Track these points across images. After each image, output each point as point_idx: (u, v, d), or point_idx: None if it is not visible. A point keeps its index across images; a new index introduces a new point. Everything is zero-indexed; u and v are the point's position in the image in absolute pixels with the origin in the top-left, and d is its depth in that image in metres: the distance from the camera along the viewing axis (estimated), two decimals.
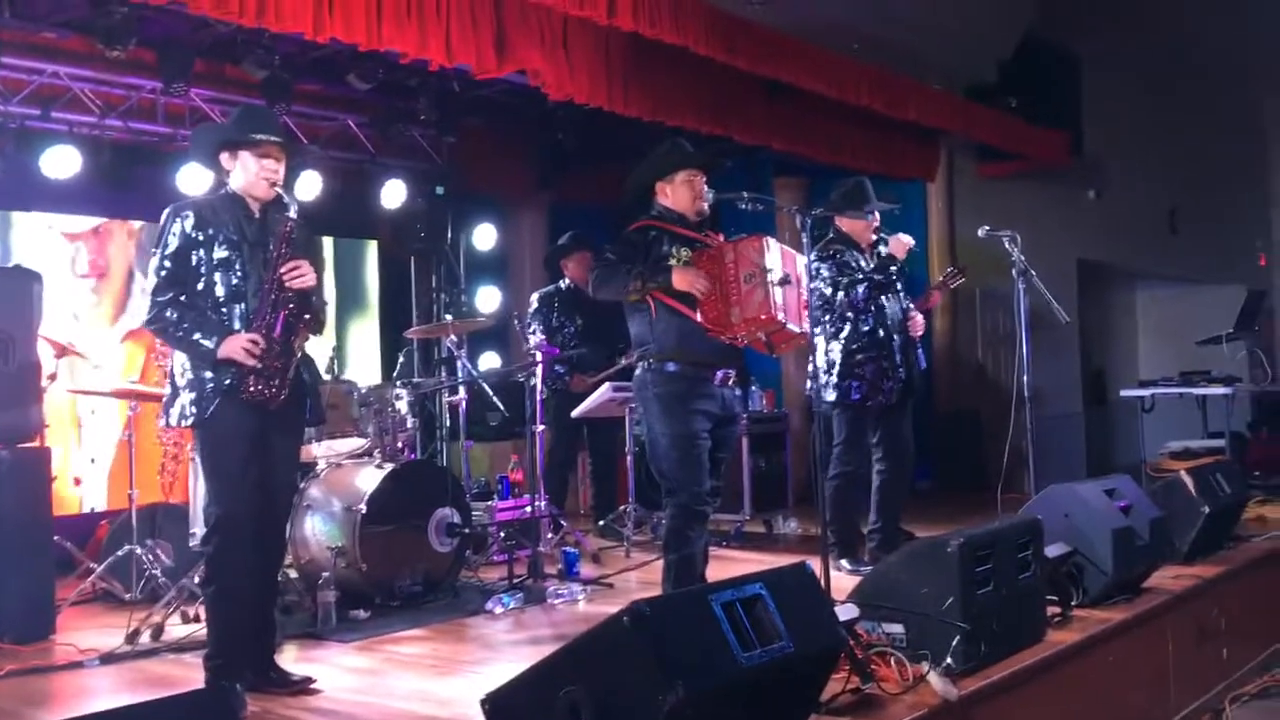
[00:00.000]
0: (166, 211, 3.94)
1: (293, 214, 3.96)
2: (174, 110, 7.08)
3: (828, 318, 5.65)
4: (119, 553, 5.47)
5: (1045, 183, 10.21)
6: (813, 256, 5.55)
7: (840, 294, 5.60)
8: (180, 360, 3.93)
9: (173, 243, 3.88)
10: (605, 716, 2.61)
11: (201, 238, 3.88)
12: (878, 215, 5.74)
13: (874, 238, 5.76)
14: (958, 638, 3.57)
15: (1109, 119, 10.66)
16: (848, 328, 5.64)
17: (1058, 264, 9.69)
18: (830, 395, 5.61)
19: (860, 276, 5.61)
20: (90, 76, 6.68)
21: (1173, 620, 4.72)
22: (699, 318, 4.40)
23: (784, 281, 4.40)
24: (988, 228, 5.72)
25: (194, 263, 3.88)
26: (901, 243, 5.73)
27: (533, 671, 2.83)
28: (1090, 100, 10.22)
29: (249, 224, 3.96)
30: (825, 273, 5.62)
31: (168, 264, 3.88)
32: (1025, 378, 5.42)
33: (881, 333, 5.63)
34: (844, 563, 5.63)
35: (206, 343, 3.81)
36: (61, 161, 6.56)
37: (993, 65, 9.15)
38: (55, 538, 5.25)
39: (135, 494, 5.54)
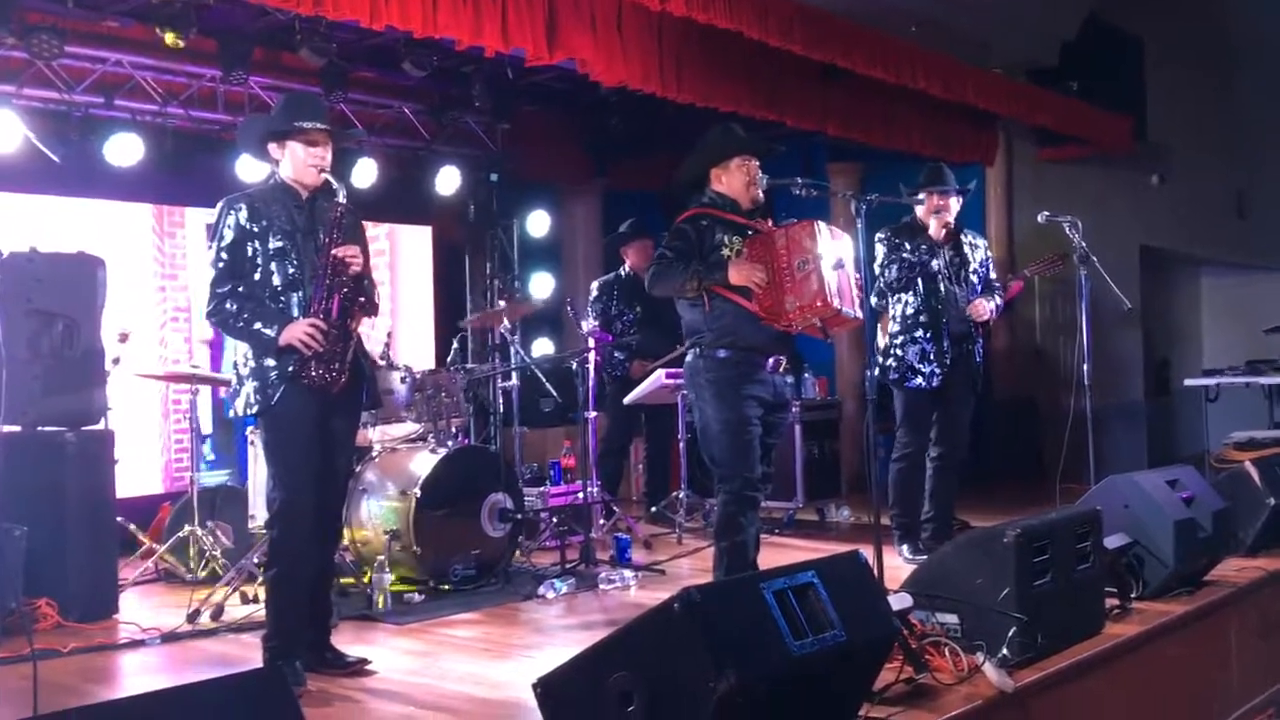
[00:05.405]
0: (221, 204, 3.99)
1: (341, 199, 4.00)
2: (234, 98, 7.16)
3: (886, 300, 5.68)
4: (180, 534, 5.58)
5: (1107, 168, 10.01)
6: (879, 236, 5.63)
7: (881, 275, 5.64)
8: (242, 350, 3.98)
9: (228, 235, 3.93)
10: (656, 702, 2.61)
11: (256, 229, 3.93)
12: (942, 199, 5.63)
13: (943, 223, 5.64)
14: (1013, 629, 3.52)
15: (1173, 102, 10.42)
16: (897, 309, 5.68)
17: (1120, 250, 9.52)
18: (878, 374, 5.64)
19: (899, 258, 5.58)
20: (152, 65, 6.77)
21: (1236, 613, 4.62)
22: (754, 307, 4.38)
23: (837, 266, 4.37)
24: (1048, 213, 5.63)
25: (250, 253, 3.93)
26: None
27: (584, 656, 2.84)
28: (1154, 83, 10.00)
29: (299, 213, 4.00)
30: (879, 253, 5.66)
31: (224, 256, 3.93)
32: (1086, 366, 5.33)
33: (925, 317, 5.59)
34: (904, 549, 5.62)
35: (268, 331, 3.85)
36: (125, 149, 6.68)
37: (1054, 48, 8.97)
38: (119, 519, 5.36)
39: (196, 476, 5.64)
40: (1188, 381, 9.20)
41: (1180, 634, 4.24)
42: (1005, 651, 3.50)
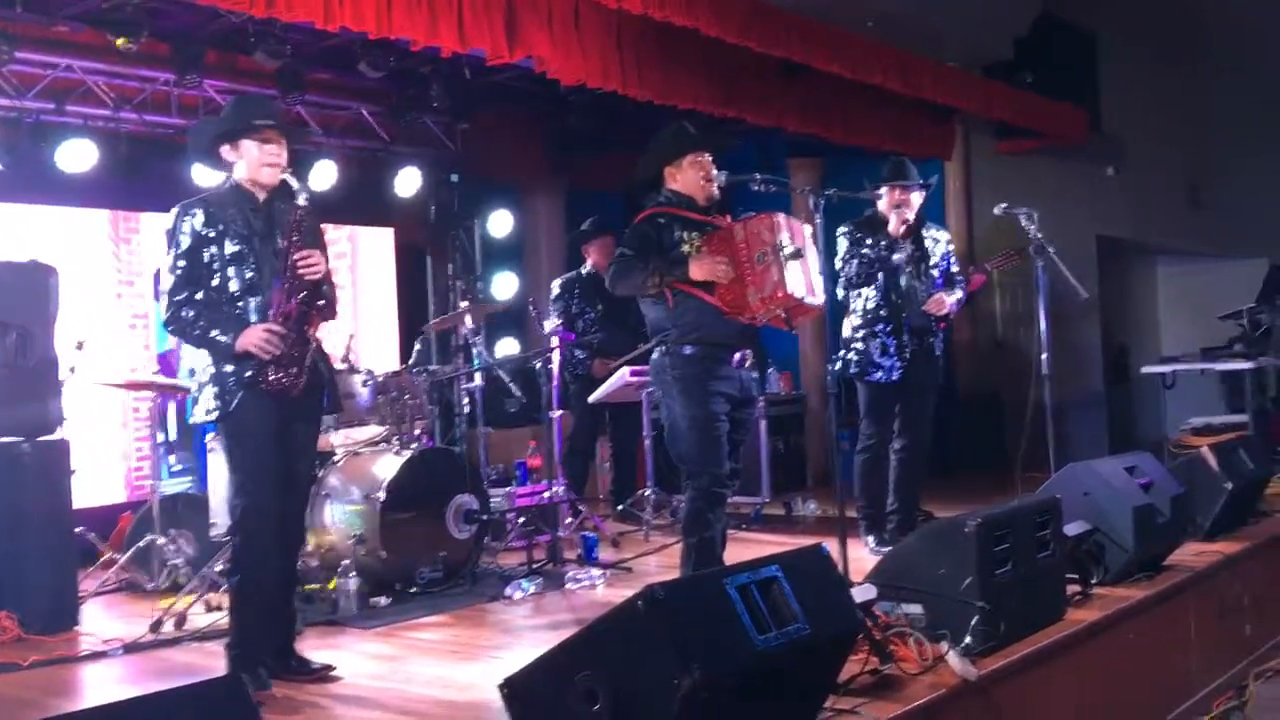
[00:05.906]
0: (175, 210, 3.94)
1: (302, 201, 3.95)
2: (188, 102, 7.09)
3: (847, 295, 5.72)
4: (141, 543, 5.51)
5: (1063, 160, 10.11)
6: (841, 231, 5.67)
7: (842, 270, 5.67)
8: (201, 357, 3.95)
9: (184, 241, 3.89)
10: (622, 700, 2.61)
11: (212, 234, 3.89)
12: (904, 194, 5.65)
13: (902, 218, 5.66)
14: (976, 617, 3.55)
15: (1126, 94, 10.55)
16: (858, 303, 5.72)
17: (1077, 241, 9.61)
18: (840, 367, 5.68)
19: (859, 254, 5.61)
20: (104, 70, 6.69)
21: (1195, 597, 4.68)
22: (717, 301, 4.39)
23: (795, 256, 4.38)
24: (1005, 205, 5.67)
25: (207, 259, 3.89)
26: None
27: (549, 656, 2.83)
28: (1107, 75, 10.12)
29: (255, 216, 3.96)
30: (840, 247, 5.68)
31: (181, 263, 3.89)
32: (1045, 356, 5.38)
33: (885, 310, 5.63)
34: (870, 540, 5.65)
35: (223, 338, 3.82)
36: (78, 155, 6.59)
37: (1009, 42, 9.05)
38: (78, 529, 5.29)
39: (157, 485, 5.58)
40: (1145, 369, 9.31)
41: (1141, 619, 4.29)
42: (969, 640, 3.53)
